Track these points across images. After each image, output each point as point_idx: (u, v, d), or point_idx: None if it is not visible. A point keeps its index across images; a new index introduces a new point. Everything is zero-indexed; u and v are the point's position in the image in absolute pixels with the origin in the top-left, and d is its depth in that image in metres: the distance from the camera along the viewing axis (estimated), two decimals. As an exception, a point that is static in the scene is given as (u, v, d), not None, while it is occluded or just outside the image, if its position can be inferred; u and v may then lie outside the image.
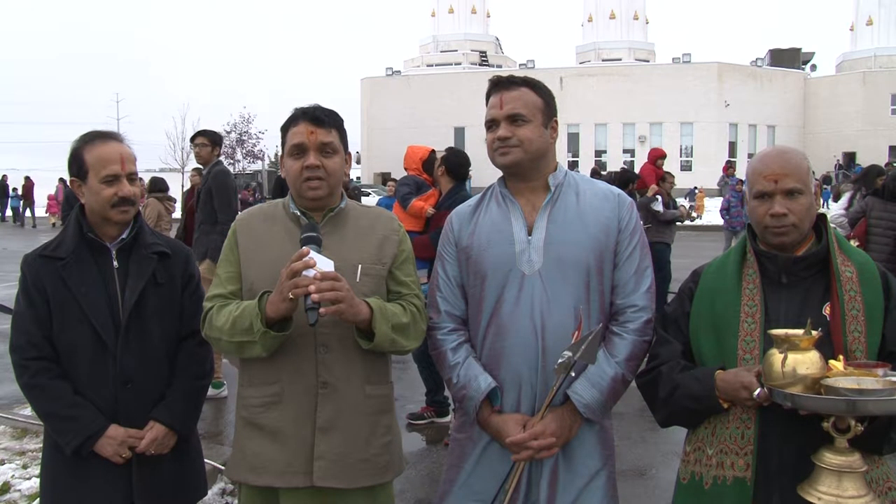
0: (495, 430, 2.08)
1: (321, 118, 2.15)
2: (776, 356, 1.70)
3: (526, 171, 2.14)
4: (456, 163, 5.09)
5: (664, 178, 9.34)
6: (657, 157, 9.85)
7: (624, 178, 8.27)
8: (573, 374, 1.99)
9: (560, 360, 1.94)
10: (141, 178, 2.48)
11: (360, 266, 2.14)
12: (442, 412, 5.35)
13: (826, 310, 1.86)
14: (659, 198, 8.67)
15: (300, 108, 2.20)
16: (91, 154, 2.25)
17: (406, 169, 5.84)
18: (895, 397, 1.58)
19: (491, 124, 2.15)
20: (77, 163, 2.28)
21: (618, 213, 2.13)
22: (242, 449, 2.18)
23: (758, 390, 1.77)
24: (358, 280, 2.12)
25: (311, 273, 1.92)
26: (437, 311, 2.22)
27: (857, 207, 7.07)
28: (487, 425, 2.11)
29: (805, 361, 1.67)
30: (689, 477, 1.98)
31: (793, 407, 1.66)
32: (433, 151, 5.84)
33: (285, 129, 2.19)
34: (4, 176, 32.83)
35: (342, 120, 2.23)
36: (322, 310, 1.92)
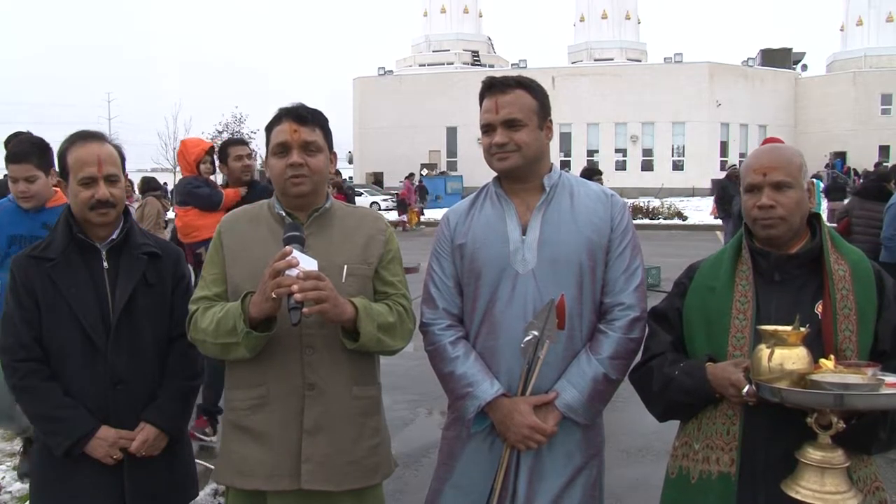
0: (507, 413, 2.04)
1: (305, 116, 2.13)
2: (763, 351, 1.71)
3: (523, 174, 2.15)
4: None
5: None
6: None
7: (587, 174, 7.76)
8: (539, 357, 2.00)
9: (527, 338, 1.97)
10: (130, 180, 2.47)
11: (345, 266, 2.12)
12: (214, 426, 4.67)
13: (818, 308, 1.86)
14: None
15: (284, 107, 2.18)
16: (71, 156, 2.24)
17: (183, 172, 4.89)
18: (879, 392, 1.59)
19: (487, 128, 2.14)
20: (61, 164, 2.27)
21: (610, 213, 2.14)
22: (229, 452, 2.16)
23: (746, 388, 1.78)
24: (343, 280, 2.10)
25: (293, 272, 1.90)
26: (434, 307, 2.20)
27: (842, 207, 7.44)
28: (496, 410, 2.06)
29: (792, 357, 1.68)
30: (676, 471, 2.00)
31: (780, 402, 1.67)
32: (212, 147, 4.96)
33: (269, 128, 2.18)
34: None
35: (326, 119, 2.21)
36: (305, 309, 1.91)
